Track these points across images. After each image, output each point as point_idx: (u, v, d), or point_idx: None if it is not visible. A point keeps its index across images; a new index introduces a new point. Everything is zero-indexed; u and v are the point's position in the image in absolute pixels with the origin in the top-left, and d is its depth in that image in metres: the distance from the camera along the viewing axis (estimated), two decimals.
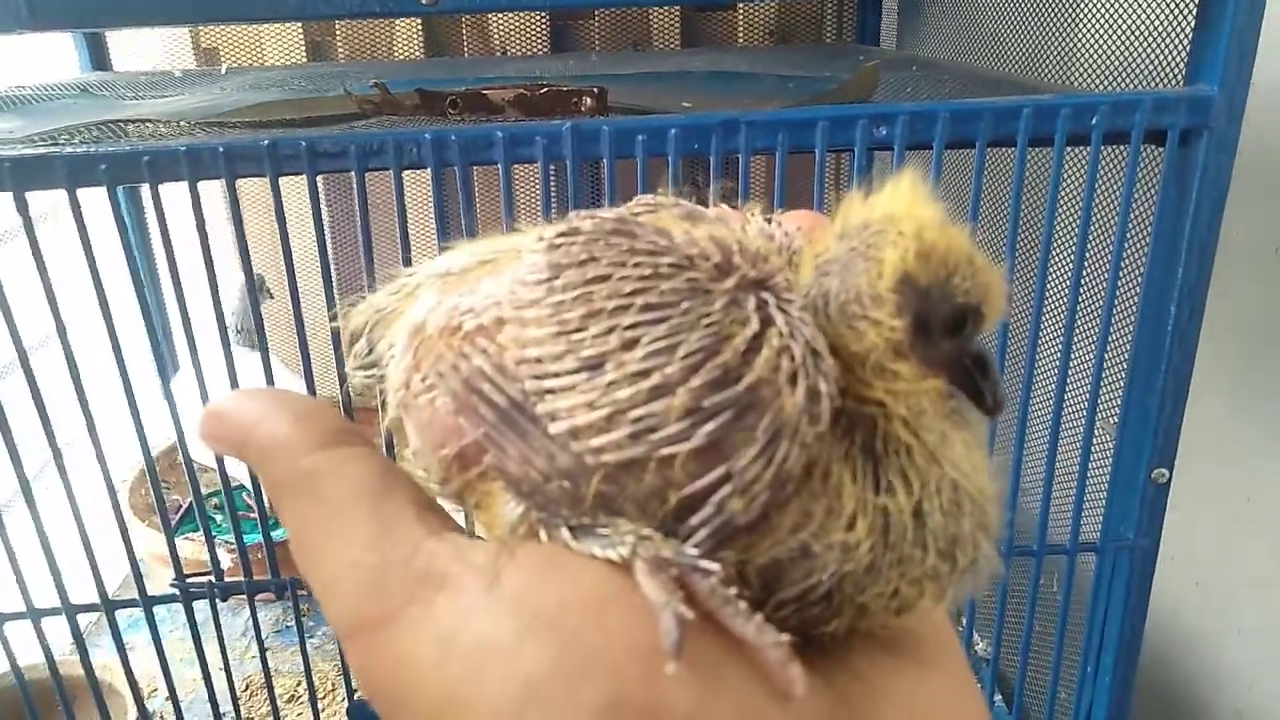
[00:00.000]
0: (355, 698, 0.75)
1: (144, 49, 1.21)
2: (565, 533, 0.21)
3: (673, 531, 0.21)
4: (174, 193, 0.57)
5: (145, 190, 0.57)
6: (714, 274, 0.22)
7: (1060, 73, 0.84)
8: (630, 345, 0.21)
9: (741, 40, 1.25)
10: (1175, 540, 0.70)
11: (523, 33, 1.22)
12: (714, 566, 0.20)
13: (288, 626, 1.03)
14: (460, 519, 0.26)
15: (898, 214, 0.22)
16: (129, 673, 0.71)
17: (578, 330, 0.21)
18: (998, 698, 0.90)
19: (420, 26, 1.22)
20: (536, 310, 0.22)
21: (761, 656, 0.19)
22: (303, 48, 1.22)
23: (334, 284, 0.61)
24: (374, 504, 0.22)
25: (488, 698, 0.19)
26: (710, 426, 0.20)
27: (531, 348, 0.22)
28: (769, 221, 0.26)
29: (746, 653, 0.20)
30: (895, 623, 0.22)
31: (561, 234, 0.23)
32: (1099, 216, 0.72)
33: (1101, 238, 0.72)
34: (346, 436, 0.23)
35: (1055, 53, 0.84)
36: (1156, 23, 0.69)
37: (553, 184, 0.59)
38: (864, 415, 0.22)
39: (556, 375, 0.21)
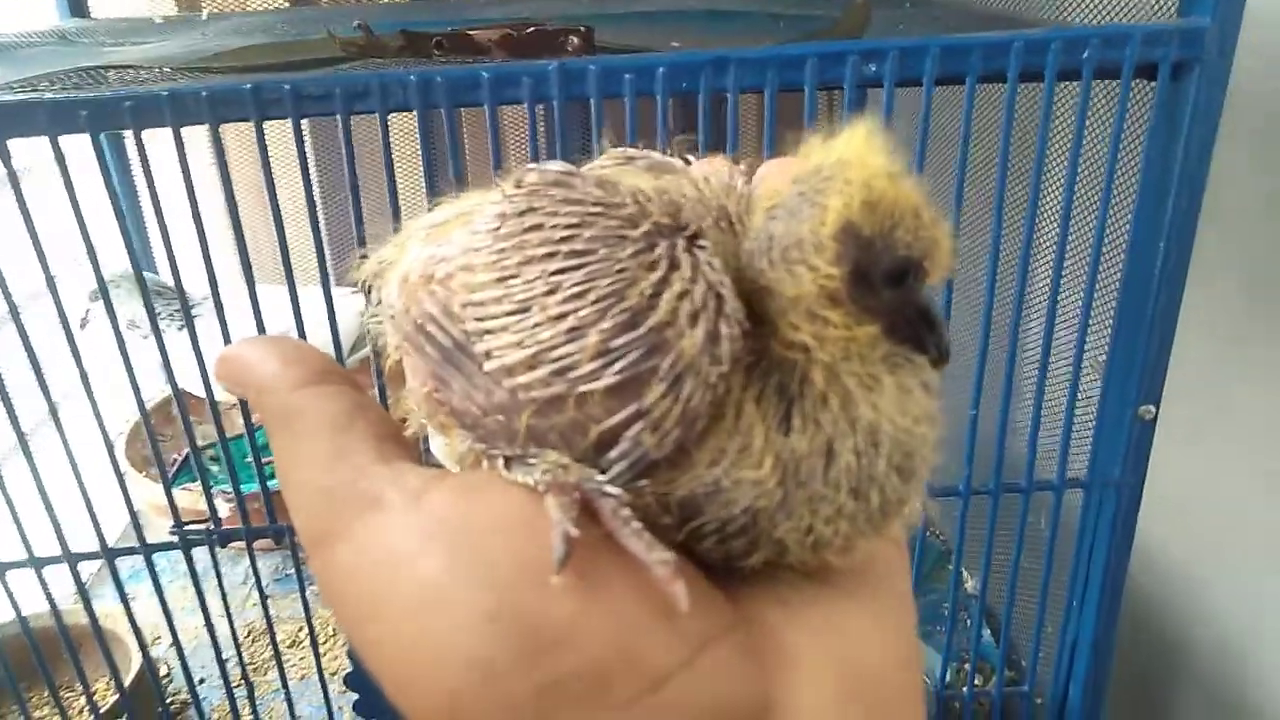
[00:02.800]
0: None
1: None
2: (501, 463, 0.23)
3: (595, 464, 0.22)
4: (157, 139, 0.56)
5: (129, 137, 0.56)
6: (629, 221, 0.23)
7: (1055, 8, 0.82)
8: (554, 290, 0.22)
9: None
10: (1160, 478, 0.71)
11: None
12: (617, 491, 0.21)
13: (287, 575, 1.04)
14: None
15: (850, 161, 0.22)
16: (132, 621, 0.72)
17: (513, 276, 0.23)
18: (985, 631, 0.92)
19: None
20: (482, 257, 0.24)
21: (650, 573, 0.21)
22: None
23: (322, 231, 0.61)
24: (336, 435, 0.24)
25: (394, 602, 0.20)
26: (619, 365, 0.21)
27: (476, 292, 0.23)
28: (741, 171, 0.27)
29: (640, 571, 0.21)
30: (821, 558, 0.23)
31: (515, 186, 0.25)
32: (1088, 154, 0.72)
33: (1091, 175, 0.72)
34: (327, 377, 0.25)
35: None
36: None
37: (541, 126, 0.58)
38: (787, 359, 0.23)
39: (494, 317, 0.23)
